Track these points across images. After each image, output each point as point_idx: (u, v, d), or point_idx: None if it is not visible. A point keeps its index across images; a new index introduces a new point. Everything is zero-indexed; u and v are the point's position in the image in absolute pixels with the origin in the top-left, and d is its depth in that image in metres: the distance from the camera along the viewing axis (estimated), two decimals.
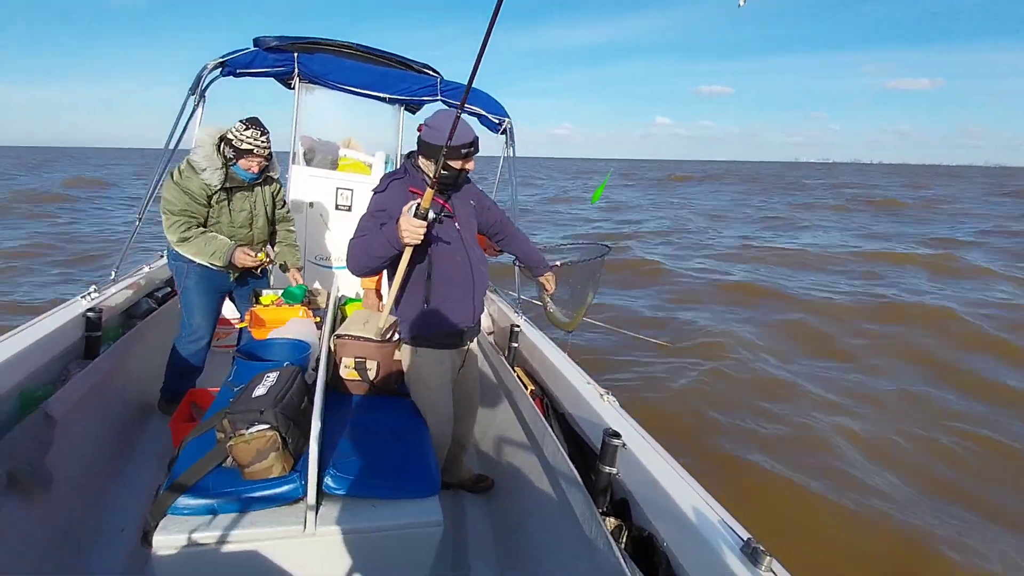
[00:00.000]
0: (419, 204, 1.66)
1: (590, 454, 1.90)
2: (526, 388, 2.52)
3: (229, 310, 3.04)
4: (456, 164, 1.91)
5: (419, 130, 1.97)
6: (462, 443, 2.38)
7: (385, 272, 2.08)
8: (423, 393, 2.05)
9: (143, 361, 2.73)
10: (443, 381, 2.06)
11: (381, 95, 3.72)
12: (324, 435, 1.69)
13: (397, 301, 2.03)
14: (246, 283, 2.92)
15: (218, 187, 2.49)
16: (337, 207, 3.84)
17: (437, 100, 3.73)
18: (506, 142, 3.85)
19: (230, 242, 2.59)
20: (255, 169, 2.56)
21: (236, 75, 3.44)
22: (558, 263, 2.42)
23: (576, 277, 2.46)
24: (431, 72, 3.86)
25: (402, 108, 4.06)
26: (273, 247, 2.90)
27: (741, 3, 1.34)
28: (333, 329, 2.19)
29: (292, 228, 3.00)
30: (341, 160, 3.91)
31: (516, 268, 2.55)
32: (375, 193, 1.93)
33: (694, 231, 15.59)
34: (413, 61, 3.84)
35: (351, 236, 1.83)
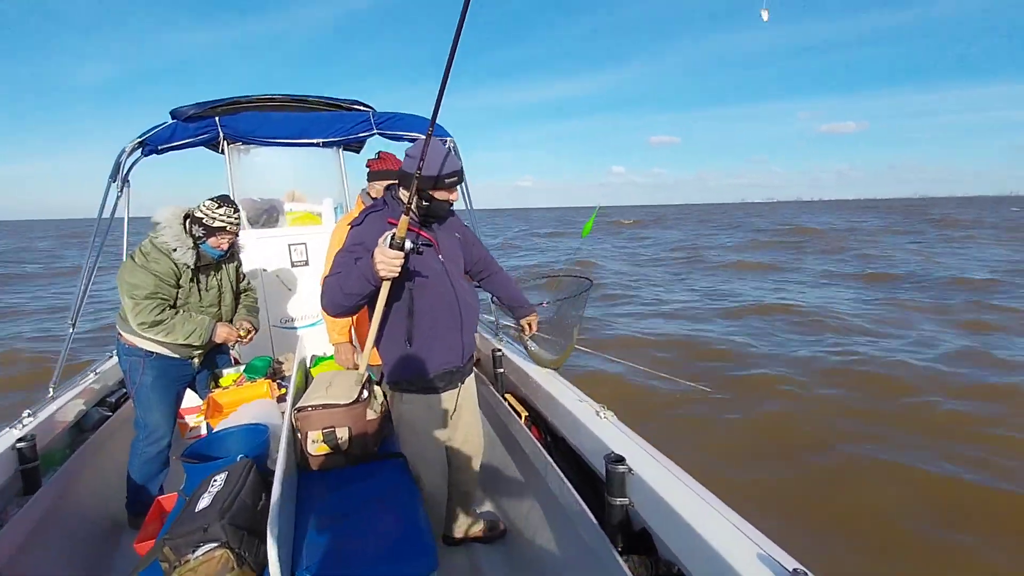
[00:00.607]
0: (394, 234, 1.51)
1: (599, 482, 1.71)
2: (519, 416, 2.33)
3: (193, 398, 2.82)
4: (440, 195, 1.77)
5: (368, 165, 1.86)
6: (466, 491, 2.17)
7: (355, 319, 1.88)
8: (412, 443, 1.86)
9: (104, 476, 2.50)
10: (434, 429, 1.88)
11: (315, 141, 3.55)
12: (296, 529, 1.49)
13: (377, 342, 1.86)
14: (211, 365, 2.72)
15: (191, 267, 2.36)
16: (293, 264, 3.65)
17: (374, 134, 3.57)
18: (464, 189, 3.69)
19: (208, 319, 2.44)
20: (224, 247, 2.45)
21: (159, 152, 3.26)
22: (544, 303, 2.26)
23: (560, 314, 2.29)
24: (362, 107, 3.70)
25: (340, 149, 3.90)
26: None
27: (765, 18, 1.46)
28: (297, 399, 1.99)
29: (254, 295, 2.83)
30: (288, 215, 3.72)
31: (492, 300, 2.37)
32: (351, 227, 1.77)
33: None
34: (341, 100, 3.68)
35: (325, 274, 1.70)
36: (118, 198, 3.02)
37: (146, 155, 3.22)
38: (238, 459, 1.55)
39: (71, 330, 2.66)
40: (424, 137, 1.55)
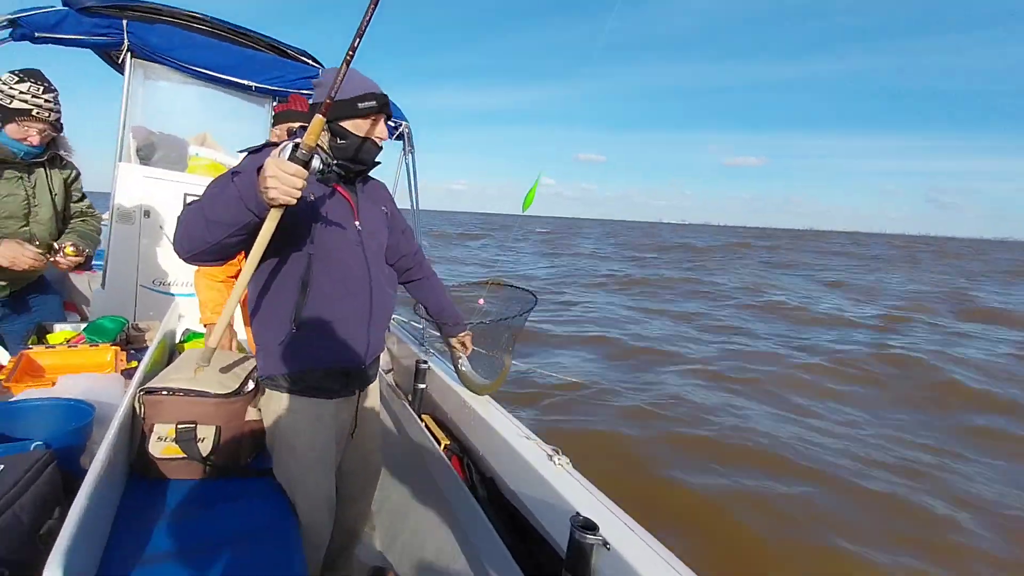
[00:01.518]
0: (297, 143, 1.07)
1: (541, 545, 1.35)
2: (439, 443, 1.93)
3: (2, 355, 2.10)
4: (357, 126, 1.35)
5: (274, 109, 1.39)
6: (354, 530, 1.71)
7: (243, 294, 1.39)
8: (289, 464, 1.39)
9: None
10: (319, 445, 1.41)
11: (246, 82, 3.00)
12: (104, 565, 0.99)
13: (253, 316, 1.39)
14: (27, 311, 2.03)
15: None
16: None
17: None
18: (404, 148, 3.30)
19: None
20: (34, 140, 1.82)
21: (35, 41, 2.56)
22: (480, 321, 1.91)
23: (496, 333, 1.94)
24: (311, 61, 3.23)
25: (273, 102, 3.35)
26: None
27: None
28: (151, 377, 1.45)
29: (96, 224, 2.19)
30: (192, 160, 3.07)
31: (416, 307, 1.98)
32: (247, 153, 1.32)
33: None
34: (288, 46, 3.18)
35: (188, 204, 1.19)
36: None
37: (16, 39, 2.51)
38: (31, 448, 1.02)
39: None
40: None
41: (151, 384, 1.34)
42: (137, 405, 1.31)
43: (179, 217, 1.18)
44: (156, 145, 3.07)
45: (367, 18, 1.13)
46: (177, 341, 2.35)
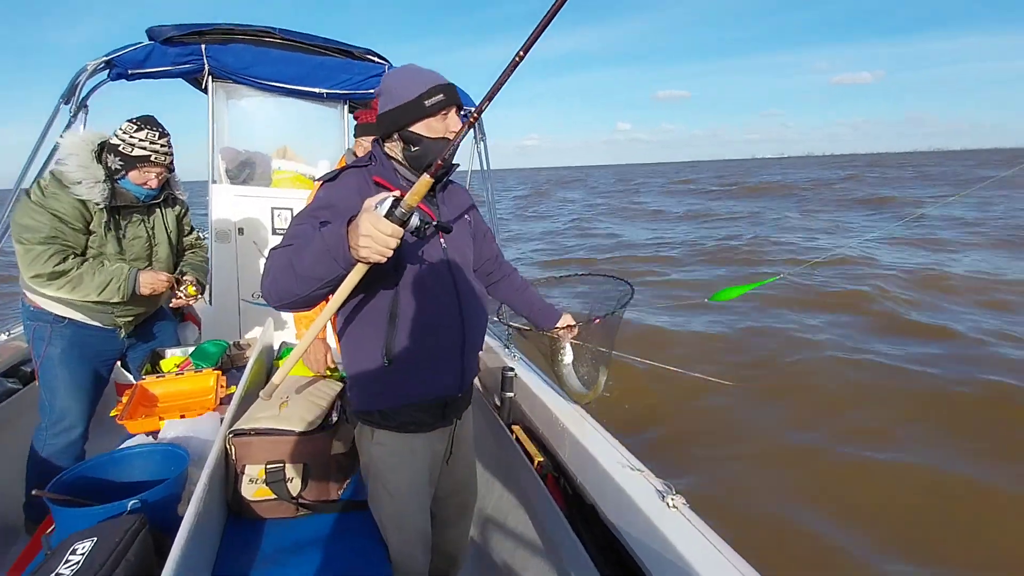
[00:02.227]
0: (397, 199, 0.96)
1: None
2: (532, 461, 1.81)
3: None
4: (428, 128, 1.21)
5: (356, 117, 1.29)
6: (452, 556, 1.65)
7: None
8: (383, 502, 1.32)
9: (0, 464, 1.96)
10: (414, 481, 1.33)
11: (317, 90, 3.00)
12: None
13: (344, 354, 1.32)
14: (148, 339, 2.18)
15: (100, 205, 1.81)
16: (275, 231, 3.10)
17: None
18: (475, 136, 3.17)
19: (129, 267, 1.89)
20: (153, 183, 1.89)
21: (129, 78, 2.72)
22: (596, 319, 1.68)
23: (595, 334, 1.73)
24: (377, 59, 3.16)
25: (346, 105, 3.35)
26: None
27: None
28: (245, 407, 1.46)
29: (204, 254, 2.29)
30: (275, 174, 3.17)
31: (500, 311, 1.83)
32: (322, 183, 1.24)
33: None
34: (353, 47, 3.13)
35: (275, 248, 1.12)
36: (69, 124, 2.46)
37: (113, 79, 2.68)
38: (127, 507, 1.03)
39: None
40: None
41: (239, 425, 1.34)
42: (228, 447, 1.31)
43: (266, 265, 1.11)
44: (243, 163, 3.19)
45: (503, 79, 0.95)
46: (275, 357, 2.43)
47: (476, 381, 2.55)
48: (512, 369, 2.12)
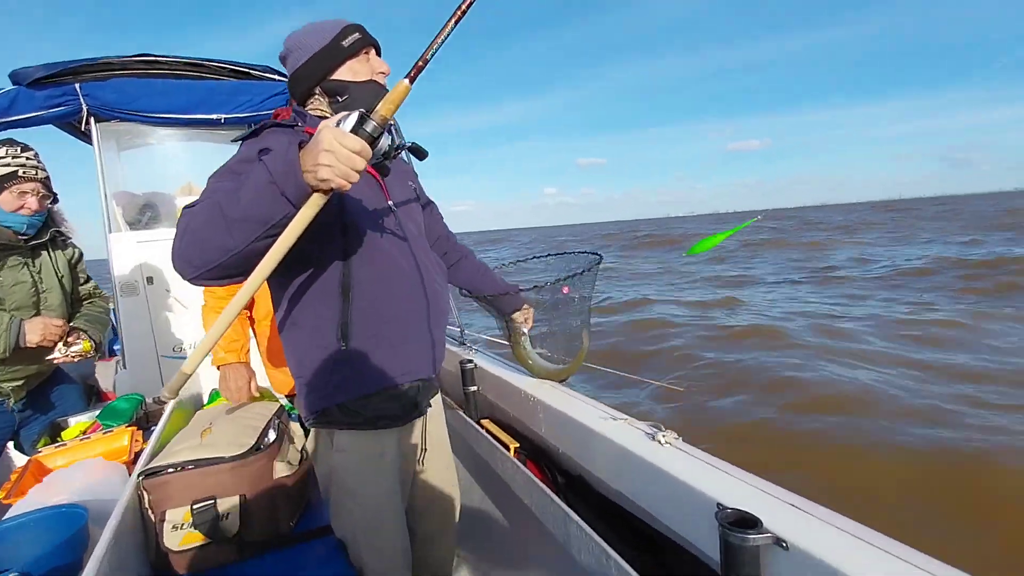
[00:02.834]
0: (365, 112, 0.79)
1: (670, 551, 1.05)
2: (508, 449, 1.65)
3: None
4: (349, 72, 1.09)
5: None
6: (441, 574, 1.44)
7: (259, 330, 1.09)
8: (353, 515, 1.10)
9: None
10: (387, 489, 1.12)
11: (214, 117, 2.78)
12: None
13: (287, 343, 1.10)
14: (47, 408, 1.86)
15: None
16: None
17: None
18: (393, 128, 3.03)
19: (10, 316, 1.62)
20: (32, 205, 1.65)
21: (15, 140, 2.42)
22: (565, 289, 1.55)
23: (561, 304, 1.60)
24: (278, 76, 2.98)
25: (248, 130, 3.13)
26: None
27: None
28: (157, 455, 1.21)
29: (104, 304, 2.01)
30: (181, 212, 2.90)
31: (452, 293, 1.68)
32: (241, 142, 1.02)
33: None
34: (248, 65, 2.94)
35: (187, 207, 0.88)
36: None
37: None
38: None
39: None
40: None
41: (153, 464, 1.10)
42: (140, 492, 1.07)
43: (179, 225, 0.88)
44: (143, 207, 2.89)
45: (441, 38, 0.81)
46: (204, 404, 2.15)
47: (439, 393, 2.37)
48: (471, 361, 1.96)
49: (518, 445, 1.68)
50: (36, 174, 1.65)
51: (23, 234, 1.68)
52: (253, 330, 1.81)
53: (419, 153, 1.10)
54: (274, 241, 0.82)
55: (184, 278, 0.88)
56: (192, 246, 0.84)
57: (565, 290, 1.55)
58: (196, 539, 1.06)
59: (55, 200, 1.80)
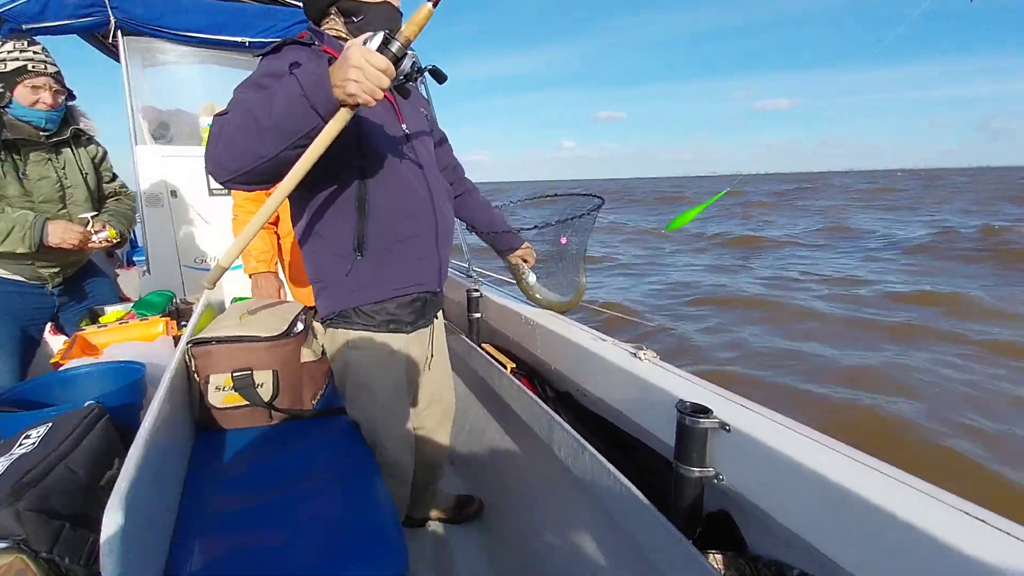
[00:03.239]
0: (389, 34, 0.86)
1: (638, 448, 1.23)
2: (504, 367, 1.82)
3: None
4: None
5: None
6: (435, 465, 1.65)
7: (284, 247, 1.23)
8: (366, 404, 1.29)
9: None
10: (396, 381, 1.30)
11: (239, 39, 2.83)
12: (181, 514, 0.93)
13: (306, 251, 1.23)
14: (83, 296, 2.01)
15: None
16: (211, 192, 2.93)
17: None
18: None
19: (34, 214, 1.71)
20: (47, 100, 1.70)
21: (23, 33, 2.47)
22: (564, 239, 1.66)
23: (560, 248, 1.73)
24: (301, 3, 3.01)
25: None
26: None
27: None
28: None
29: (130, 203, 2.11)
30: (205, 131, 2.98)
31: (461, 228, 1.80)
32: (263, 56, 1.10)
33: None
34: None
35: (219, 114, 0.97)
36: None
37: (3, 35, 2.43)
38: (83, 406, 0.96)
39: None
40: None
41: (199, 336, 1.27)
42: (188, 359, 1.24)
43: (212, 130, 0.95)
44: (168, 122, 2.98)
45: None
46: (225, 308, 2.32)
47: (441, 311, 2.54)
48: (477, 290, 2.11)
49: (514, 365, 1.86)
50: (45, 68, 1.69)
51: (44, 129, 1.74)
52: (279, 245, 1.96)
53: (439, 76, 1.18)
54: (302, 152, 0.92)
55: (217, 181, 0.98)
56: (225, 151, 0.92)
57: (563, 240, 1.68)
58: (235, 400, 1.23)
59: (71, 97, 1.85)
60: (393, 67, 0.86)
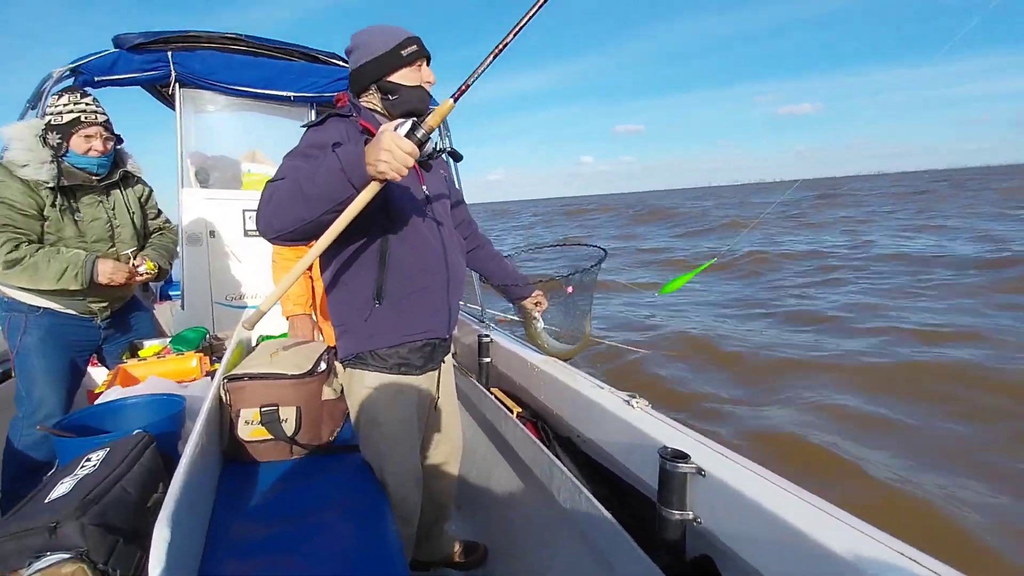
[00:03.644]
0: (417, 121, 1.04)
1: (631, 494, 1.31)
2: (511, 412, 1.91)
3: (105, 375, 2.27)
4: (406, 77, 1.31)
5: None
6: (442, 505, 1.72)
7: (317, 292, 1.38)
8: (375, 441, 1.39)
9: None
10: (405, 420, 1.40)
11: (284, 93, 3.10)
12: (209, 539, 1.03)
13: (331, 296, 1.37)
14: (126, 330, 2.17)
15: (50, 184, 1.79)
16: (247, 233, 3.14)
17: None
18: (440, 131, 3.31)
19: (86, 253, 1.86)
20: (98, 147, 1.87)
21: (95, 85, 2.75)
22: (570, 288, 1.79)
23: (566, 297, 1.85)
24: (341, 62, 3.29)
25: (312, 109, 3.45)
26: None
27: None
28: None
29: (172, 237, 2.27)
30: (245, 176, 3.22)
31: (476, 278, 1.93)
32: (306, 129, 1.29)
33: None
34: (317, 51, 3.26)
35: (271, 180, 1.14)
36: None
37: (79, 85, 2.71)
38: (133, 433, 1.08)
39: None
40: None
41: (234, 372, 1.40)
42: (223, 393, 1.37)
43: (264, 195, 1.12)
44: (212, 168, 3.23)
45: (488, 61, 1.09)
46: (253, 345, 2.46)
47: (452, 356, 2.64)
48: (488, 336, 2.23)
49: (520, 410, 1.95)
50: (96, 118, 1.86)
51: (96, 174, 1.91)
52: (312, 288, 2.12)
53: (455, 156, 1.37)
54: (337, 216, 1.09)
55: (265, 238, 1.16)
56: (274, 214, 1.10)
57: (569, 290, 1.80)
58: (261, 433, 1.35)
59: (119, 141, 2.01)
60: (418, 149, 1.04)
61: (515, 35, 1.08)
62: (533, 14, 1.06)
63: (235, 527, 1.10)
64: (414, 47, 1.31)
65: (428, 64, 1.37)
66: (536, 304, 1.81)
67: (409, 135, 1.03)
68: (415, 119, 1.06)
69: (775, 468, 0.97)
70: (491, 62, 1.08)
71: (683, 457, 1.01)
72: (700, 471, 0.98)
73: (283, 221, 1.09)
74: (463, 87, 1.08)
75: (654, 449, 1.11)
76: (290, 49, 3.19)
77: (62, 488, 0.85)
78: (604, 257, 1.83)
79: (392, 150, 1.00)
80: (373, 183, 1.06)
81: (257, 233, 3.15)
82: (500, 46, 1.08)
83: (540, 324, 1.86)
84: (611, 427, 1.34)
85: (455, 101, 1.05)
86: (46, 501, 0.83)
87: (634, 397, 1.35)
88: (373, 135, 1.27)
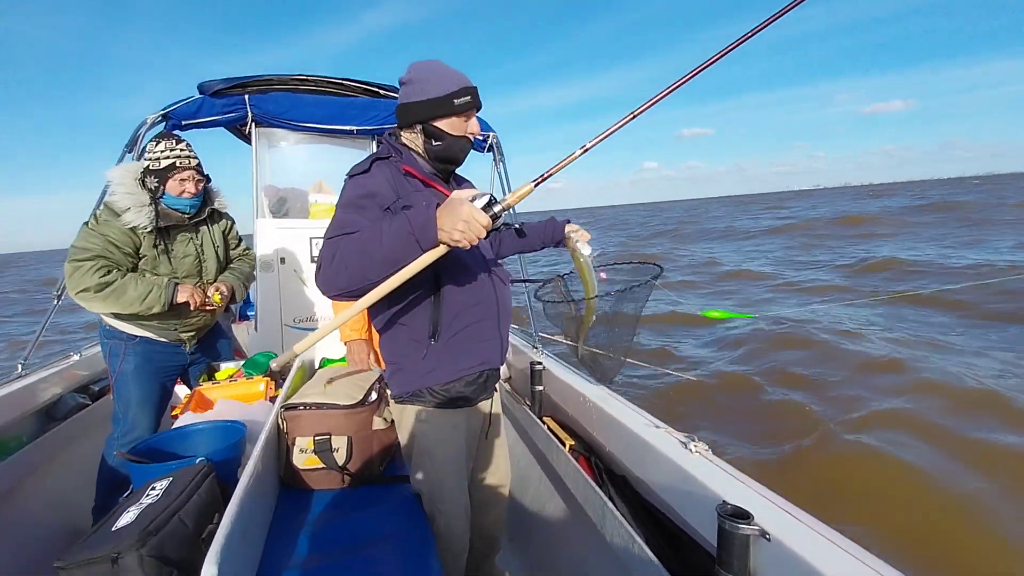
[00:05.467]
0: (494, 198, 1.09)
1: (688, 547, 1.23)
2: (563, 444, 1.87)
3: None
4: (452, 126, 1.30)
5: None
6: (493, 537, 1.70)
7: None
8: (428, 473, 1.39)
9: (70, 475, 2.13)
10: (457, 454, 1.40)
11: (347, 128, 3.27)
12: (262, 567, 1.06)
13: (385, 336, 1.39)
14: (207, 354, 2.34)
15: (149, 228, 1.95)
16: (313, 259, 3.32)
17: None
18: (495, 158, 3.36)
19: (166, 279, 2.01)
20: (191, 189, 2.03)
21: (182, 128, 3.03)
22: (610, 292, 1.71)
23: (617, 310, 1.76)
24: (398, 95, 3.43)
25: (373, 140, 3.62)
26: None
27: None
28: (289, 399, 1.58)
29: (250, 262, 2.42)
30: (313, 207, 3.42)
31: (531, 298, 1.88)
32: (351, 177, 1.29)
33: None
34: (378, 85, 3.42)
35: (327, 236, 1.18)
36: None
37: (168, 130, 2.99)
38: (196, 462, 1.15)
39: (55, 302, 2.34)
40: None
41: (290, 401, 1.46)
42: (280, 421, 1.43)
43: (324, 254, 1.14)
44: (283, 199, 3.45)
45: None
46: (316, 367, 2.57)
47: (507, 383, 2.63)
48: (540, 363, 2.20)
49: (573, 443, 1.90)
50: (190, 162, 2.01)
51: (188, 214, 2.06)
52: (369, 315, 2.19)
53: (520, 233, 1.48)
54: (391, 273, 1.11)
55: (326, 295, 1.17)
56: (338, 274, 1.11)
57: (602, 275, 1.69)
58: (314, 462, 1.39)
59: (208, 180, 2.16)
60: (491, 223, 1.07)
61: (604, 139, 1.13)
62: (625, 123, 1.14)
63: (286, 557, 1.14)
64: (468, 98, 1.29)
65: (477, 112, 1.36)
66: (575, 232, 1.61)
67: (485, 208, 1.06)
68: (492, 195, 1.10)
69: (855, 534, 0.87)
70: (579, 156, 1.14)
71: (745, 516, 0.93)
72: (764, 534, 0.90)
73: (349, 280, 1.12)
74: (546, 175, 1.15)
75: (712, 501, 1.03)
76: (352, 85, 3.37)
77: (127, 517, 0.91)
78: (659, 274, 1.75)
79: (471, 222, 1.04)
80: (442, 246, 1.09)
81: None
82: (590, 144, 1.15)
83: (587, 250, 1.66)
84: (667, 470, 1.27)
85: (535, 186, 1.11)
86: (113, 529, 0.89)
87: (692, 440, 1.28)
88: (415, 177, 1.30)
